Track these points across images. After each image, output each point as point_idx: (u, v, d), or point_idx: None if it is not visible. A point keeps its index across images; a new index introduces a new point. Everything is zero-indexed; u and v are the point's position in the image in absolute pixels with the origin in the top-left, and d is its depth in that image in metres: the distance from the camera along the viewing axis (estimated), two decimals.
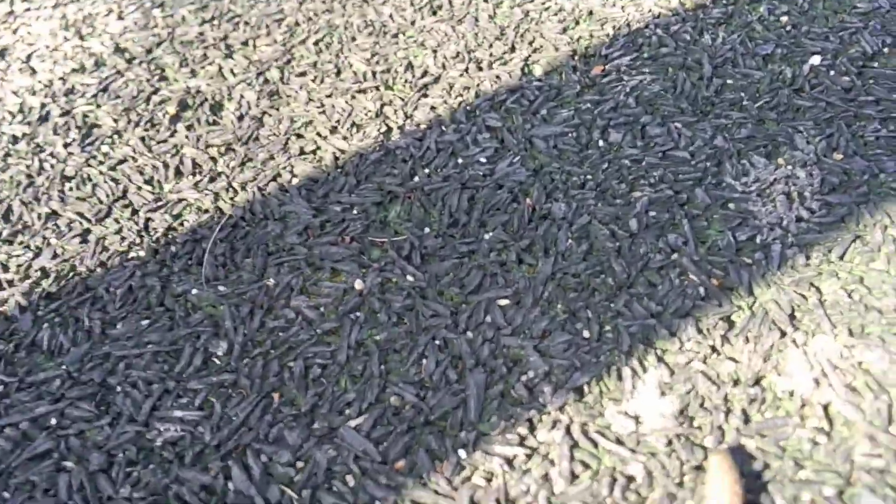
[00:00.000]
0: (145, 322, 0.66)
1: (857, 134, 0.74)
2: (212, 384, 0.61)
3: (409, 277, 0.67)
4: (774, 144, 0.74)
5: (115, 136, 0.84)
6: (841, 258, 0.64)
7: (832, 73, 0.80)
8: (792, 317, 0.61)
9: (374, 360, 0.61)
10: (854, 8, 0.88)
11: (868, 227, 0.66)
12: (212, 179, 0.78)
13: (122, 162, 0.81)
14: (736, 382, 0.57)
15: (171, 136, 0.83)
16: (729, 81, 0.81)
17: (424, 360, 0.61)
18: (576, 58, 0.86)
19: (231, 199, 0.76)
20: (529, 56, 0.87)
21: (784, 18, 0.88)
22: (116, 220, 0.75)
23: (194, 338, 0.64)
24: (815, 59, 0.82)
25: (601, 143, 0.76)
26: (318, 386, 0.60)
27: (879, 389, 0.56)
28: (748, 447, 0.54)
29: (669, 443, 0.54)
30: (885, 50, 0.82)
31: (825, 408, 0.55)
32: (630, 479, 0.53)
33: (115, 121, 0.85)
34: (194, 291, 0.68)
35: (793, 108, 0.77)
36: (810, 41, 0.84)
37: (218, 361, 0.62)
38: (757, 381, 0.57)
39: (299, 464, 0.56)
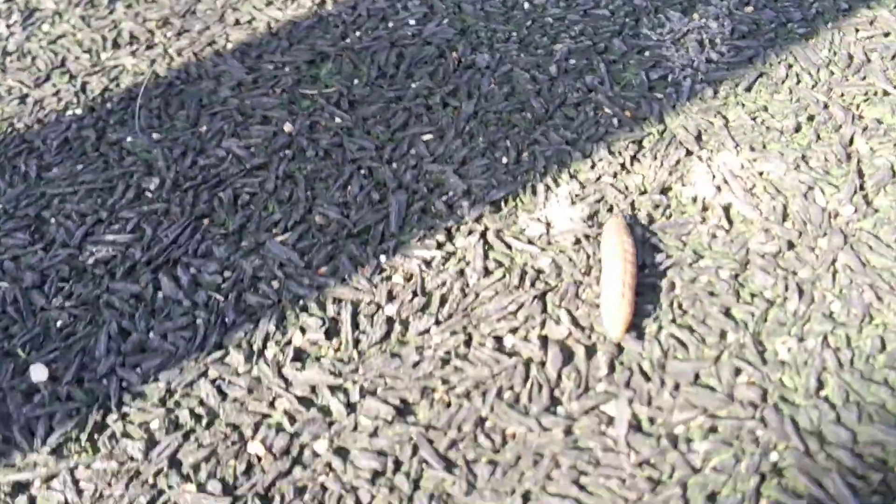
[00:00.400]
0: (80, 166, 0.67)
1: None
2: (143, 213, 0.63)
3: (337, 119, 0.69)
4: (690, 2, 0.77)
5: (56, 17, 0.85)
6: (747, 90, 0.68)
7: None
8: (698, 138, 0.64)
9: (301, 188, 0.63)
10: None
11: (773, 66, 0.70)
12: (149, 48, 0.79)
13: (61, 37, 0.82)
14: (643, 192, 0.61)
15: (110, 13, 0.84)
16: None
17: (349, 186, 0.63)
18: None
19: (167, 64, 0.77)
20: None
21: None
22: (54, 85, 0.76)
23: (128, 176, 0.66)
24: None
25: (526, 4, 0.79)
26: (246, 210, 0.62)
27: (776, 192, 0.59)
28: (651, 241, 0.57)
29: (577, 241, 0.57)
30: None
31: (725, 209, 0.59)
32: (539, 271, 0.56)
33: (56, 3, 0.86)
34: (129, 139, 0.69)
35: None
36: None
37: (150, 195, 0.64)
38: (663, 191, 0.61)
39: (226, 273, 0.58)
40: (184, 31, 0.81)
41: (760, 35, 0.73)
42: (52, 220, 0.63)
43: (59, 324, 0.56)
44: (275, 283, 0.57)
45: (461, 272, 0.56)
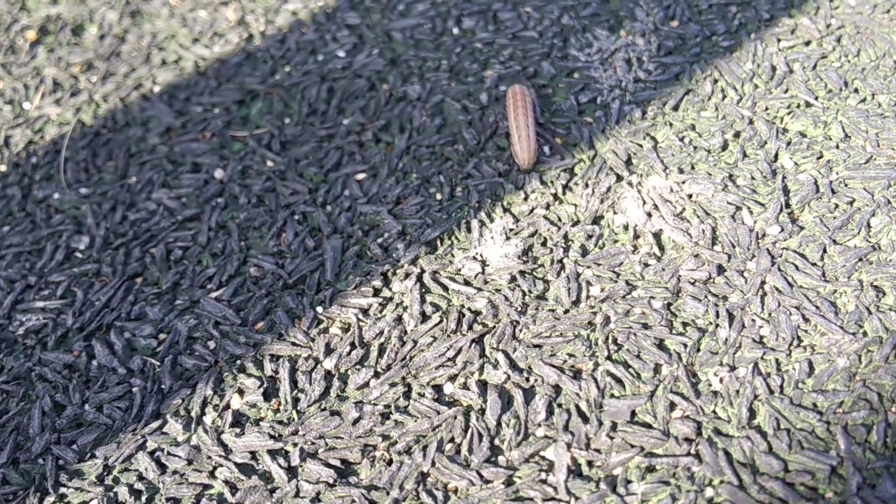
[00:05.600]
0: (6, 228, 0.66)
1: (692, 3, 0.78)
2: (74, 275, 0.62)
3: (269, 162, 0.68)
4: (617, 19, 0.78)
5: None
6: (675, 109, 0.68)
7: None
8: (628, 162, 0.65)
9: (234, 238, 0.63)
10: None
11: (699, 81, 0.71)
12: (73, 94, 0.78)
13: None
14: (575, 223, 0.61)
15: (32, 59, 0.82)
16: None
17: (283, 234, 0.63)
18: None
19: (93, 111, 0.76)
20: None
21: None
22: None
23: (56, 237, 0.65)
24: None
25: (455, 30, 0.79)
26: (179, 266, 0.61)
27: (705, 215, 0.60)
28: (585, 275, 0.57)
29: (513, 279, 0.58)
30: None
31: (656, 235, 0.59)
32: (476, 313, 0.56)
33: None
34: (56, 196, 0.68)
35: None
36: None
37: (80, 255, 0.63)
38: (595, 220, 0.61)
39: (161, 336, 0.57)
40: (109, 75, 0.79)
41: (686, 50, 0.74)
42: None
43: None
44: (211, 344, 0.56)
45: (399, 319, 0.56)
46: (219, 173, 0.68)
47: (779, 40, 0.74)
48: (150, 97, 0.76)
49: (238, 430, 0.51)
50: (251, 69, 0.78)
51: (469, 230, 0.61)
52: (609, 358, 0.53)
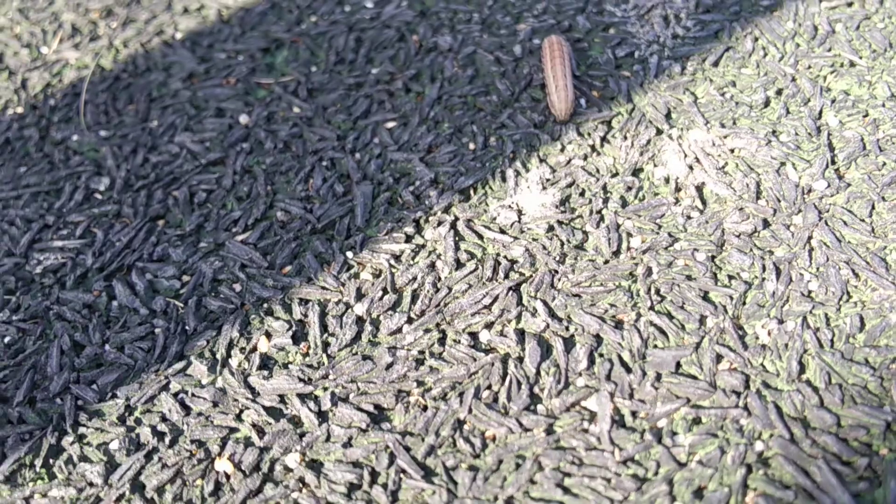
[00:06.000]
0: (23, 168, 0.64)
1: None
2: (93, 215, 0.60)
3: (296, 109, 0.66)
4: None
5: None
6: (715, 65, 0.66)
7: None
8: (668, 116, 0.63)
9: (261, 182, 0.60)
10: None
11: (739, 39, 0.68)
12: (92, 40, 0.75)
13: None
14: (614, 174, 0.59)
15: (49, 4, 0.80)
16: None
17: (311, 179, 0.61)
18: None
19: (113, 57, 0.73)
20: None
21: None
22: None
23: (75, 178, 0.63)
24: None
25: None
26: (203, 209, 0.59)
27: (748, 169, 0.58)
28: (625, 225, 0.55)
29: (551, 228, 0.56)
30: None
31: (699, 188, 0.57)
32: (513, 261, 0.54)
33: None
34: (74, 137, 0.66)
35: None
36: None
37: (100, 196, 0.61)
38: (634, 172, 0.59)
39: (185, 277, 0.55)
40: (129, 22, 0.77)
41: (725, 8, 0.71)
42: None
43: (6, 340, 0.52)
44: (237, 286, 0.54)
45: (432, 266, 0.54)
46: (244, 118, 0.65)
47: (820, 1, 0.72)
48: (171, 43, 0.74)
49: (265, 372, 0.49)
50: (276, 18, 0.75)
51: (504, 179, 0.59)
52: (652, 308, 0.51)
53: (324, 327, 0.51)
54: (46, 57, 0.74)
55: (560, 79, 0.62)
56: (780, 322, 0.50)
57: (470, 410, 0.47)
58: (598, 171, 0.59)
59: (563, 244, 0.55)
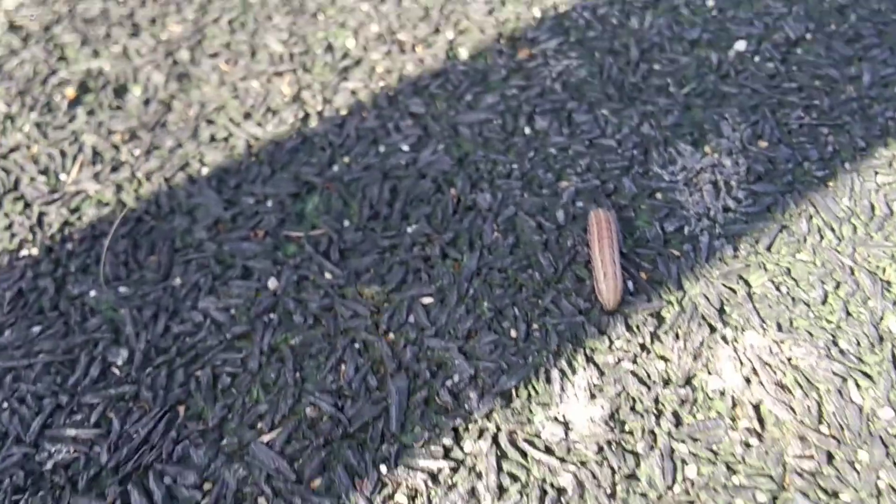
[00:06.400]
0: (37, 328, 0.60)
1: (782, 122, 0.73)
2: (110, 397, 0.56)
3: (328, 275, 0.63)
4: (701, 132, 0.72)
5: (8, 122, 0.77)
6: (768, 249, 0.63)
7: (757, 59, 0.79)
8: (721, 311, 0.59)
9: (289, 367, 0.57)
10: None
11: (793, 217, 0.65)
12: (114, 169, 0.72)
13: (14, 150, 0.74)
14: (666, 382, 0.56)
15: (70, 121, 0.77)
16: (656, 67, 0.79)
17: (343, 366, 0.57)
18: (502, 41, 0.83)
19: (135, 190, 0.70)
20: (455, 38, 0.84)
21: (710, 2, 0.86)
22: (6, 215, 0.68)
23: (91, 345, 0.59)
24: (741, 45, 0.80)
25: (527, 130, 0.73)
26: (227, 397, 0.56)
27: (808, 386, 0.55)
28: (680, 451, 0.52)
29: (600, 450, 0.52)
30: (808, 36, 0.82)
31: (756, 407, 0.54)
32: (561, 490, 0.51)
33: (8, 105, 0.78)
34: (92, 293, 0.62)
35: (719, 94, 0.76)
36: (735, 26, 0.83)
37: (117, 371, 0.57)
38: (687, 381, 0.56)
39: (206, 485, 0.51)
40: (153, 149, 0.73)
41: (777, 177, 0.69)
42: (5, 405, 0.56)
43: None
44: (262, 502, 0.51)
45: (472, 491, 0.51)
46: (272, 283, 0.62)
47: (876, 173, 0.69)
48: (196, 179, 0.70)
49: None
50: (307, 156, 0.72)
51: (549, 380, 0.56)
52: None
53: None
54: (65, 187, 0.70)
55: (609, 265, 0.59)
56: None
57: None
58: (649, 376, 0.56)
59: (613, 472, 0.51)
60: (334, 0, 0.89)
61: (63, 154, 0.73)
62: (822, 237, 0.64)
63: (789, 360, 0.57)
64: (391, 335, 0.59)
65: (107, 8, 0.89)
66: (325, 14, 0.87)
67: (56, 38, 0.85)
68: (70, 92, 0.79)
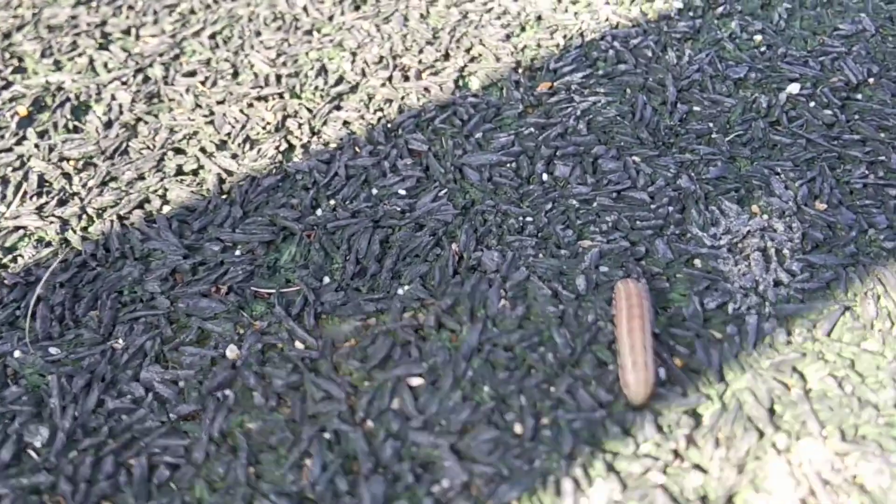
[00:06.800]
0: None
1: (842, 179, 0.63)
2: (21, 488, 0.46)
3: (299, 344, 0.52)
4: (748, 188, 0.62)
5: None
6: (828, 335, 0.53)
7: (812, 104, 0.69)
8: (771, 412, 0.49)
9: (242, 460, 0.47)
10: (836, 30, 0.77)
11: (858, 297, 0.55)
12: (61, 202, 0.62)
13: None
14: (703, 500, 0.45)
15: (18, 143, 0.67)
16: (696, 108, 0.69)
17: (308, 462, 0.47)
18: (520, 71, 0.73)
19: (83, 229, 0.60)
20: (466, 66, 0.74)
21: (758, 37, 0.76)
22: None
23: (6, 420, 0.49)
24: (794, 88, 0.70)
25: (545, 176, 0.63)
26: (163, 495, 0.45)
27: None
28: None
29: None
30: (871, 80, 0.72)
31: None
32: None
33: None
34: (16, 354, 0.52)
35: (769, 143, 0.66)
36: (787, 65, 0.73)
37: (34, 455, 0.47)
38: (729, 500, 0.45)
39: None
40: (109, 180, 0.64)
41: (838, 246, 0.58)
42: None
43: None
44: None
45: None
46: (231, 351, 0.52)
47: None
48: (156, 219, 0.60)
49: None
50: (287, 196, 0.62)
51: (559, 492, 0.45)
52: None
53: None
54: (1, 221, 0.60)
55: (639, 351, 0.49)
56: None
57: None
58: (682, 492, 0.45)
59: None
60: (332, 16, 0.80)
61: (4, 181, 0.64)
62: (892, 323, 0.54)
63: (854, 478, 0.46)
64: (369, 424, 0.48)
65: (76, 14, 0.80)
66: (321, 32, 0.78)
67: (14, 46, 0.76)
68: (22, 109, 0.69)
